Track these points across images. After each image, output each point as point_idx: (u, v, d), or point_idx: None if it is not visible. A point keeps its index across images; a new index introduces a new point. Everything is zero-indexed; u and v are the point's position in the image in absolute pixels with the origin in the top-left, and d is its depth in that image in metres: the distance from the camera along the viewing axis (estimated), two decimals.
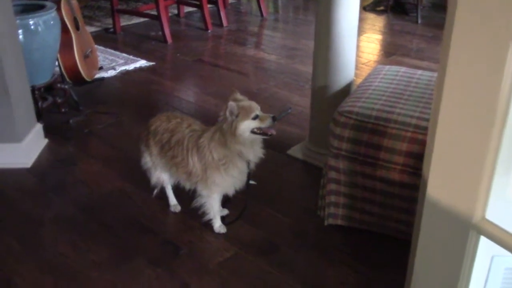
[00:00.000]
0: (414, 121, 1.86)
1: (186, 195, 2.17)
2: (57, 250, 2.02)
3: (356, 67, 2.58)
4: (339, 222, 2.11)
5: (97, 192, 2.41)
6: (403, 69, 2.39)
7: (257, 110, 1.87)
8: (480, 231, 1.09)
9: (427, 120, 1.83)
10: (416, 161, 1.80)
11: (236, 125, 1.84)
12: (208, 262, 1.97)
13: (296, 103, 3.38)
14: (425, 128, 1.79)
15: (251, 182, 2.07)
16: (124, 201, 2.34)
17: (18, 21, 2.71)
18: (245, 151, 1.90)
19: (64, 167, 2.64)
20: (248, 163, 1.95)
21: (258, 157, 1.96)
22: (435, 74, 2.26)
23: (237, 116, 1.84)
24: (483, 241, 1.12)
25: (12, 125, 2.53)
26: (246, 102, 1.89)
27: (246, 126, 1.85)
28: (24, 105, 2.65)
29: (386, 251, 2.01)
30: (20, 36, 2.75)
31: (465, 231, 1.11)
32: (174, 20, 5.43)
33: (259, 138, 1.92)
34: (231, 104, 1.84)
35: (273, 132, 1.89)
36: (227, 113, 1.84)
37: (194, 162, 1.96)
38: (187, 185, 2.08)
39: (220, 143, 1.90)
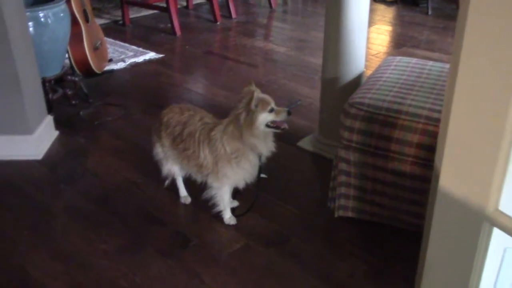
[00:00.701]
0: (425, 112, 1.84)
1: (196, 187, 2.17)
2: (68, 239, 2.04)
3: (366, 59, 2.57)
4: (349, 214, 2.10)
5: (108, 183, 2.42)
6: (414, 60, 2.37)
7: (272, 103, 1.87)
8: (493, 223, 1.08)
9: (439, 111, 1.81)
10: (428, 153, 1.79)
11: (256, 117, 1.85)
12: (218, 253, 1.97)
13: (305, 95, 3.37)
14: (437, 120, 1.78)
15: (262, 175, 2.07)
16: (135, 192, 2.35)
17: (28, 13, 2.72)
18: (259, 145, 1.91)
19: (75, 158, 2.65)
20: (259, 156, 1.95)
21: (270, 151, 1.96)
22: (447, 65, 2.25)
23: (256, 107, 1.85)
24: (496, 232, 1.11)
25: (23, 117, 2.54)
26: (262, 95, 1.89)
27: (263, 118, 1.86)
28: (35, 98, 2.66)
29: (397, 243, 2.00)
30: (30, 29, 2.76)
31: (478, 222, 1.10)
32: (183, 12, 5.42)
33: (271, 131, 1.92)
34: (258, 95, 1.84)
35: (286, 126, 1.90)
36: (253, 104, 1.84)
37: (205, 155, 1.96)
38: (198, 178, 2.08)
39: (234, 136, 1.90)
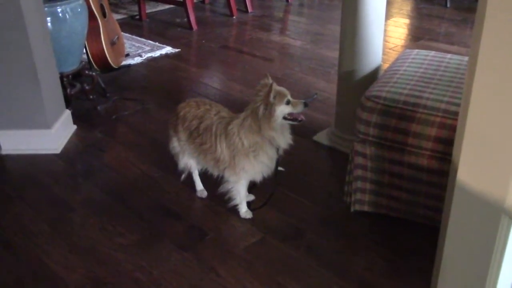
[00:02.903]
0: (443, 105, 1.82)
1: (212, 181, 2.18)
2: (86, 233, 2.07)
3: (383, 52, 2.55)
4: (365, 208, 2.09)
5: (125, 177, 2.45)
6: (432, 53, 2.35)
7: (288, 95, 1.88)
8: None
9: (457, 104, 1.79)
10: (445, 147, 1.77)
11: (274, 109, 1.85)
12: (234, 247, 1.98)
13: (322, 89, 3.35)
14: (455, 113, 1.76)
15: (280, 169, 2.07)
16: (151, 186, 2.37)
17: (46, 8, 2.75)
18: (277, 137, 1.91)
19: (92, 152, 2.68)
20: (277, 149, 1.95)
21: (288, 143, 1.97)
22: (465, 58, 2.22)
23: (274, 99, 1.85)
24: None
25: (42, 112, 2.58)
26: (279, 87, 1.89)
27: (281, 111, 1.87)
28: (53, 92, 2.69)
29: (414, 237, 1.99)
30: (49, 24, 2.79)
31: (497, 216, 1.09)
32: (199, 6, 5.43)
33: (288, 124, 1.93)
34: (276, 87, 1.84)
35: (303, 118, 1.90)
36: (271, 96, 1.84)
37: (222, 149, 1.96)
38: (215, 172, 2.09)
39: (251, 129, 1.90)
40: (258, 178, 2.04)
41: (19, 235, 2.06)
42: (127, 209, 2.21)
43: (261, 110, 1.86)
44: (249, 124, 1.90)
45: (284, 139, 1.95)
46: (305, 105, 1.89)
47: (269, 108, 1.85)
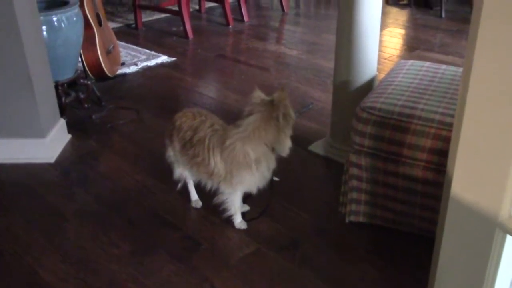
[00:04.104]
0: (438, 117, 1.83)
1: (207, 191, 2.17)
2: (79, 243, 2.05)
3: (379, 62, 2.56)
4: (361, 219, 2.09)
5: (119, 186, 2.44)
6: (427, 64, 2.36)
7: None
8: (507, 230, 1.07)
9: (452, 116, 1.80)
10: (440, 158, 1.78)
11: (292, 117, 1.91)
12: (228, 257, 1.97)
13: (317, 99, 3.36)
14: (450, 124, 1.77)
15: (275, 179, 2.08)
16: (146, 195, 2.36)
17: (41, 17, 2.75)
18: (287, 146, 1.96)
19: (87, 162, 2.67)
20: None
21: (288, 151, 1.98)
22: (460, 69, 2.23)
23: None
24: (510, 240, 1.10)
25: (36, 121, 2.57)
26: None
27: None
28: (48, 101, 2.69)
29: (409, 249, 1.99)
30: (44, 33, 2.80)
31: (491, 229, 1.09)
32: (195, 15, 5.44)
33: None
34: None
35: None
36: (291, 111, 1.90)
37: (216, 162, 1.95)
38: (209, 184, 2.08)
39: (260, 140, 1.88)
40: (254, 189, 2.04)
41: (12, 245, 2.05)
42: (121, 219, 2.20)
43: (281, 120, 1.87)
44: (259, 135, 1.88)
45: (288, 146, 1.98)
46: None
47: (288, 118, 1.89)
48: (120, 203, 2.31)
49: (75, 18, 2.97)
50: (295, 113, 1.96)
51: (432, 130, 1.81)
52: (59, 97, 2.92)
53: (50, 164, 2.62)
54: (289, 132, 1.93)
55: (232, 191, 2.02)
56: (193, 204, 2.27)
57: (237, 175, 1.94)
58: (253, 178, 1.97)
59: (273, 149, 1.93)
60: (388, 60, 4.09)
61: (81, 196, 2.38)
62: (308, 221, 2.18)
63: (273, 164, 1.98)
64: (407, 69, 2.29)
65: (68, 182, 2.50)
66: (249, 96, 1.94)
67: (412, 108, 1.89)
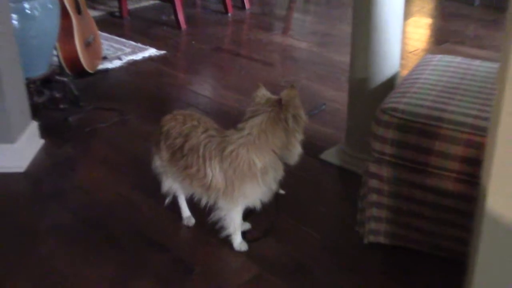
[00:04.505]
0: (470, 120, 1.83)
1: (202, 206, 2.17)
2: (53, 265, 2.05)
3: (402, 57, 2.56)
4: (381, 239, 2.09)
5: (100, 200, 2.44)
6: (458, 59, 2.36)
7: None
8: None
9: (486, 119, 1.80)
10: (473, 168, 1.77)
11: (303, 119, 1.92)
12: (225, 284, 1.97)
13: (330, 99, 3.36)
14: (484, 129, 1.77)
15: (280, 192, 2.08)
16: (131, 211, 2.36)
17: (11, 4, 2.76)
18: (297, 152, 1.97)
19: (63, 171, 2.68)
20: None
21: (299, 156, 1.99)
22: (496, 65, 2.23)
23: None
24: None
25: (4, 124, 2.58)
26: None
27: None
28: (17, 101, 2.70)
29: (437, 274, 1.98)
30: (14, 22, 2.81)
31: None
32: (189, 2, 5.47)
33: None
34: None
35: None
36: (302, 112, 1.91)
37: (214, 174, 1.94)
38: (204, 199, 2.08)
39: (267, 146, 1.89)
40: (257, 204, 2.04)
41: None
42: (102, 238, 2.20)
43: (291, 122, 1.87)
44: (266, 140, 1.89)
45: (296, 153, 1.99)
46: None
47: (299, 118, 1.90)
48: (100, 220, 2.31)
49: (50, 6, 2.99)
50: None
51: (464, 136, 1.81)
52: (30, 96, 2.93)
53: (19, 174, 2.62)
54: (299, 136, 1.94)
55: (232, 206, 2.02)
56: (185, 222, 2.27)
57: (240, 188, 1.94)
58: (258, 191, 1.97)
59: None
60: (413, 54, 4.11)
61: (55, 211, 2.38)
62: (320, 242, 2.18)
63: (280, 174, 1.98)
64: (435, 65, 2.30)
65: (40, 194, 2.50)
66: (252, 95, 1.94)
67: (441, 110, 1.90)
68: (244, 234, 2.17)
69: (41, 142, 2.89)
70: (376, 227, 2.07)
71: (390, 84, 2.46)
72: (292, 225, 2.26)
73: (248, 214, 2.20)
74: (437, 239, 1.98)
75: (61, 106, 3.23)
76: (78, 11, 3.45)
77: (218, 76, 3.87)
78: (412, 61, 3.89)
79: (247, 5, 5.24)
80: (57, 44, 3.29)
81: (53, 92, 3.19)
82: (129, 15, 5.05)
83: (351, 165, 2.63)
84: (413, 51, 4.18)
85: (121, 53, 4.13)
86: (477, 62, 2.31)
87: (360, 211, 2.14)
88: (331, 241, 2.18)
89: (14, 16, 2.81)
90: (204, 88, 3.64)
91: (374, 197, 2.04)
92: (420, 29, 4.76)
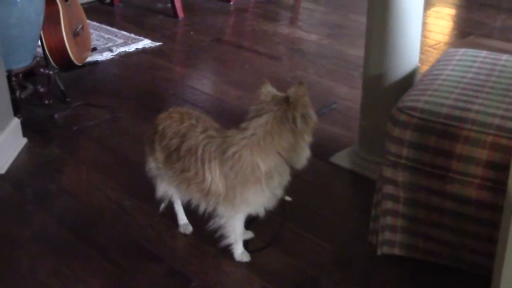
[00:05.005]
0: (497, 121, 1.83)
1: (200, 213, 2.18)
2: (35, 277, 2.06)
3: (421, 51, 2.57)
4: (396, 251, 2.09)
5: (88, 206, 2.45)
6: (484, 53, 2.36)
7: None
8: None
9: None
10: (499, 173, 1.78)
11: (313, 119, 1.92)
12: None
13: (342, 97, 3.37)
14: None
15: (287, 198, 2.09)
16: (122, 217, 2.37)
17: None
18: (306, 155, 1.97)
19: (47, 173, 2.69)
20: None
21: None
22: None
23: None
24: None
25: None
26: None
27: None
28: None
29: None
30: None
31: None
32: None
33: None
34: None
35: None
36: (311, 111, 1.91)
37: (213, 178, 1.95)
38: (202, 205, 2.08)
39: (273, 148, 1.90)
40: (261, 211, 2.05)
41: None
42: (90, 247, 2.21)
43: (299, 122, 1.88)
44: (271, 142, 1.89)
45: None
46: None
47: (308, 117, 1.90)
48: (89, 227, 2.32)
49: None
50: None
51: (490, 138, 1.81)
52: (12, 91, 2.94)
53: None
54: (308, 138, 1.94)
55: (234, 213, 2.03)
56: (181, 230, 2.28)
57: (242, 193, 1.95)
58: (262, 197, 1.97)
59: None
60: (434, 48, 4.11)
61: (39, 217, 2.39)
62: (329, 253, 2.18)
63: (286, 179, 1.99)
64: (458, 60, 2.30)
65: (22, 199, 2.51)
66: (256, 91, 1.95)
67: (464, 109, 1.90)
68: (246, 244, 2.18)
69: (23, 141, 2.90)
70: (390, 237, 2.08)
71: (408, 80, 2.47)
72: (298, 235, 2.26)
73: (250, 222, 2.21)
74: (457, 251, 1.98)
75: (46, 101, 3.23)
76: None
77: (218, 70, 3.87)
78: (432, 56, 3.89)
79: None
80: (41, 34, 3.29)
81: (37, 86, 3.20)
82: (121, 2, 5.06)
83: (364, 169, 2.63)
84: (434, 44, 4.18)
85: (112, 44, 4.14)
86: (505, 57, 2.31)
87: (373, 220, 2.14)
88: (341, 252, 2.19)
89: None
90: (203, 83, 3.65)
91: (388, 204, 2.04)
92: (442, 21, 4.76)
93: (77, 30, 3.56)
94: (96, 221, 2.36)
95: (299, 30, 4.54)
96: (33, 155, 2.82)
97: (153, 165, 2.17)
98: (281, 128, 1.89)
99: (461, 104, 1.93)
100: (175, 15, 4.72)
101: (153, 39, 4.25)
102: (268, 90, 1.93)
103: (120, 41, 4.22)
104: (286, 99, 1.89)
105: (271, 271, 2.08)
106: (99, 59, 3.89)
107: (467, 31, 4.47)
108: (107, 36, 4.31)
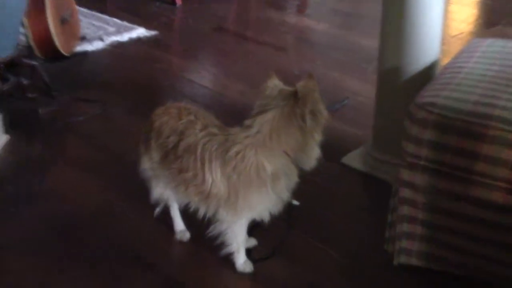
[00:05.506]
0: None
1: (198, 218, 2.18)
2: (20, 284, 2.06)
3: (443, 41, 2.56)
4: (414, 261, 2.09)
5: (76, 208, 2.45)
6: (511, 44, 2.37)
7: None
8: None
9: None
10: None
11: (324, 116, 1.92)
12: None
13: (355, 92, 3.37)
14: None
15: (294, 202, 2.09)
16: (113, 222, 2.38)
17: None
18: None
19: (31, 173, 2.70)
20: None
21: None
22: None
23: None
24: None
25: None
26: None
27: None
28: None
29: None
30: None
31: None
32: None
33: None
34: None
35: None
36: (322, 107, 1.90)
37: (214, 179, 1.95)
38: (201, 209, 2.09)
39: (280, 147, 1.90)
40: (266, 216, 2.05)
41: None
42: (79, 253, 2.21)
43: (308, 119, 1.88)
44: (278, 140, 1.89)
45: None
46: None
47: (318, 114, 1.90)
48: (76, 232, 2.33)
49: None
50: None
51: None
52: None
53: None
54: (318, 136, 1.94)
55: (236, 218, 2.03)
56: (178, 236, 2.29)
57: (245, 197, 1.95)
58: (267, 201, 1.97)
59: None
60: (457, 38, 4.10)
61: (23, 220, 2.40)
62: (340, 262, 2.18)
63: (294, 182, 2.00)
64: (483, 51, 2.30)
65: (4, 200, 2.52)
66: (262, 85, 1.95)
67: (490, 105, 1.90)
68: (249, 252, 2.18)
69: (4, 137, 2.90)
70: (408, 246, 2.08)
71: (427, 74, 2.47)
72: (306, 242, 2.27)
73: (254, 228, 2.21)
74: (481, 262, 1.98)
75: (30, 95, 3.23)
76: None
77: (220, 62, 3.87)
78: (455, 47, 3.88)
79: None
80: (25, 21, 3.30)
81: (20, 78, 3.20)
82: None
83: (379, 171, 2.64)
84: (457, 34, 4.18)
85: (103, 33, 4.14)
86: None
87: (389, 227, 2.15)
88: (354, 262, 2.19)
89: None
90: (203, 76, 3.65)
91: (406, 209, 2.04)
92: (466, 8, 4.76)
93: (65, 17, 3.57)
94: (85, 225, 2.36)
95: (308, 19, 4.54)
96: (15, 153, 2.82)
97: (148, 165, 2.17)
98: (289, 126, 1.89)
99: (486, 100, 1.92)
100: (172, 1, 4.72)
101: (148, 27, 4.25)
102: (275, 83, 1.93)
103: (112, 29, 4.23)
104: (294, 94, 1.89)
105: (276, 282, 2.09)
106: (88, 49, 3.89)
107: (493, 20, 4.46)
108: (97, 24, 4.32)
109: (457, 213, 1.95)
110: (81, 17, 4.13)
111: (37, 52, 3.45)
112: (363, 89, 3.37)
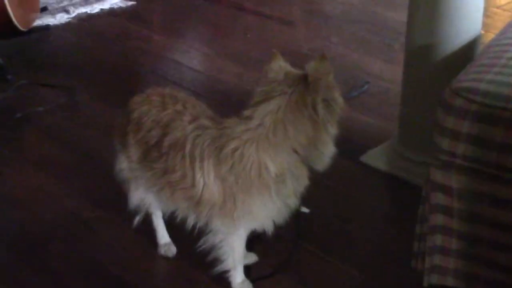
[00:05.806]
0: None
1: (187, 229, 2.19)
2: None
3: (486, 13, 2.57)
4: (449, 281, 2.10)
5: (38, 218, 2.46)
6: None
7: None
8: None
9: None
10: None
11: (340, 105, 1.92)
12: None
13: (377, 75, 3.37)
14: None
15: (303, 210, 2.10)
16: (83, 234, 2.39)
17: None
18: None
19: None
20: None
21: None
22: None
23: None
24: None
25: None
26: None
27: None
28: None
29: None
30: None
31: None
32: None
33: None
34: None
35: None
36: (337, 95, 1.91)
37: (207, 182, 1.95)
38: (191, 219, 2.10)
39: (287, 143, 1.90)
40: (269, 227, 2.07)
41: None
42: (41, 272, 2.22)
43: (320, 109, 1.89)
44: (284, 135, 1.90)
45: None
46: None
47: (333, 103, 1.90)
48: (39, 247, 2.33)
49: None
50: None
51: None
52: None
53: None
54: (333, 130, 1.94)
55: (233, 229, 2.04)
56: (162, 251, 2.30)
57: (244, 203, 1.96)
58: (271, 208, 1.98)
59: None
60: (503, 9, 4.10)
61: None
62: (358, 281, 2.20)
63: (303, 185, 2.01)
64: None
65: None
66: (264, 67, 1.95)
67: None
68: (248, 270, 2.20)
69: None
70: (441, 263, 2.09)
71: (466, 53, 2.48)
72: (318, 258, 2.28)
73: (254, 241, 2.22)
74: None
75: None
76: None
77: (212, 39, 3.87)
78: (501, 20, 3.88)
79: None
80: None
81: None
82: None
83: (406, 171, 2.65)
84: (503, 5, 4.18)
85: (68, 3, 4.13)
86: None
87: (418, 239, 2.15)
88: (375, 280, 2.21)
89: None
90: (191, 57, 3.65)
91: (439, 218, 2.05)
92: None
93: None
94: (48, 239, 2.37)
95: None
96: None
97: (125, 165, 2.18)
98: (297, 117, 1.89)
99: None
100: None
101: None
102: (280, 65, 1.93)
103: None
104: (304, 78, 1.89)
105: None
106: (50, 23, 3.88)
107: None
108: None
109: (503, 223, 1.95)
110: None
111: None
112: (387, 72, 3.37)
